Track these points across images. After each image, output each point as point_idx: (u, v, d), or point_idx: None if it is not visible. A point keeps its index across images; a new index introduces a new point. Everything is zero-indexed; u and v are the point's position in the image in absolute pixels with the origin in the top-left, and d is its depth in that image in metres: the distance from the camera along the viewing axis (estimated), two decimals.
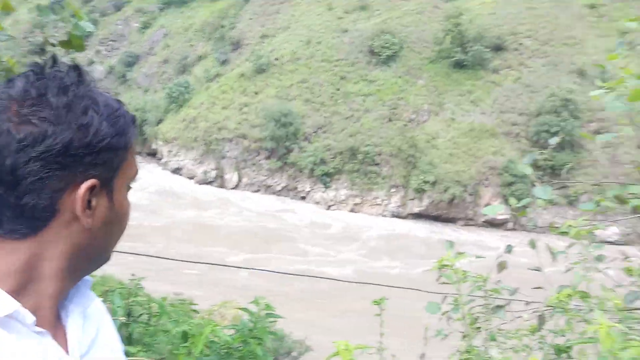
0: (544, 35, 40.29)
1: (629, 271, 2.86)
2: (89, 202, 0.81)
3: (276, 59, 42.84)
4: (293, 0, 51.02)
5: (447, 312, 2.69)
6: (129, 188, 0.89)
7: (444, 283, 2.61)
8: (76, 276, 0.84)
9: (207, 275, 21.01)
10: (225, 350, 2.47)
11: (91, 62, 60.55)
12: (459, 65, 39.20)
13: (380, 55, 40.34)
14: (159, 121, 43.64)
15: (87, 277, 0.91)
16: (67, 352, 0.81)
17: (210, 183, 37.47)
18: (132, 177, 0.89)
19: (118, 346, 0.96)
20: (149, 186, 33.45)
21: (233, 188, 36.78)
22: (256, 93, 40.74)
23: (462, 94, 37.90)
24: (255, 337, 2.53)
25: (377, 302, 2.72)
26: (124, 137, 0.86)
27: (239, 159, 37.53)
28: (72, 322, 0.85)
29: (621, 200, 2.85)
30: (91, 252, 0.84)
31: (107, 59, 60.14)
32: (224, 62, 48.45)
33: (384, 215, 33.18)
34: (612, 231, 24.63)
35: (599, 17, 40.85)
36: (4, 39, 2.50)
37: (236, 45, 49.55)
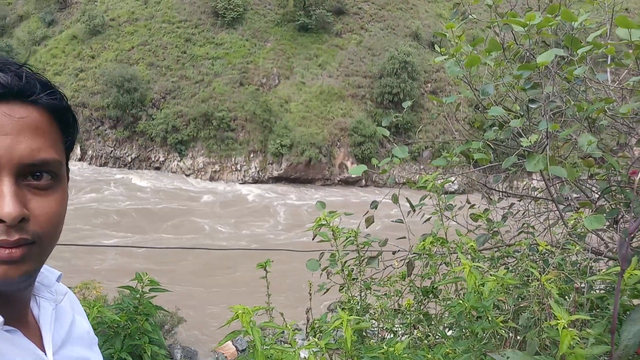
0: (380, 0, 42.41)
1: (476, 217, 3.30)
2: None
3: (112, 20, 39.88)
4: None
5: (326, 267, 2.88)
6: None
7: (321, 241, 2.77)
8: None
9: (65, 261, 19.49)
10: (113, 330, 2.42)
11: None
12: (304, 29, 39.88)
13: (224, 17, 39.48)
14: None
15: (56, 271, 0.89)
16: (42, 348, 0.80)
17: None
18: None
19: (92, 339, 0.95)
20: None
21: (78, 161, 34.04)
22: (93, 57, 37.70)
23: (309, 57, 38.71)
24: (142, 314, 2.51)
25: (261, 265, 2.81)
26: None
27: (81, 130, 34.71)
28: (44, 317, 0.83)
29: (465, 155, 3.23)
30: None
31: None
32: (50, 23, 43.80)
33: (245, 181, 33.22)
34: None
35: None
36: None
37: (63, 3, 44.98)
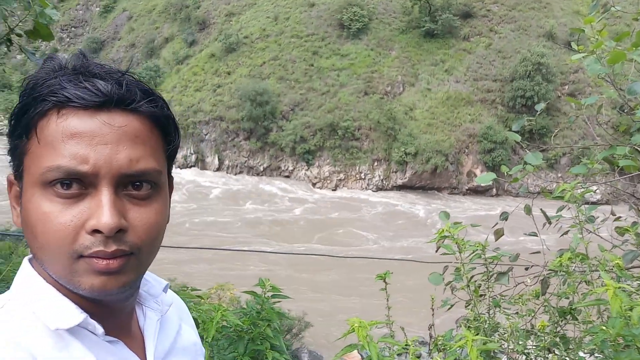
0: (510, 0, 40.43)
1: (622, 231, 2.95)
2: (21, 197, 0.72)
3: (245, 37, 42.28)
4: None
5: (450, 282, 2.74)
6: (49, 189, 0.68)
7: (444, 254, 2.65)
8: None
9: (202, 263, 20.98)
10: (236, 334, 2.50)
11: (55, 50, 58.98)
12: (430, 35, 39.22)
13: (350, 28, 40.10)
14: None
15: (163, 281, 0.89)
16: (144, 359, 0.80)
17: (191, 167, 37.16)
18: (44, 177, 0.67)
19: (198, 351, 0.94)
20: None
21: (215, 170, 36.56)
22: (228, 73, 40.24)
23: (435, 63, 37.99)
24: (264, 319, 2.57)
25: (381, 277, 2.75)
26: (33, 104, 0.68)
27: (218, 142, 37.21)
28: (149, 327, 0.83)
29: (609, 162, 2.91)
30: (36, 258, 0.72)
31: (71, 47, 58.67)
32: (192, 43, 47.67)
33: (369, 189, 33.40)
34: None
35: None
36: None
37: (202, 25, 48.72)
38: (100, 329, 0.71)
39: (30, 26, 3.82)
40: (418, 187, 33.27)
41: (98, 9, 60.60)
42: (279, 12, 43.90)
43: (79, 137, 0.66)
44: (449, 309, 2.69)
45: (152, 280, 0.88)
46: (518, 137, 3.05)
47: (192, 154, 37.60)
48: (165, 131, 0.76)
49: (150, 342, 0.81)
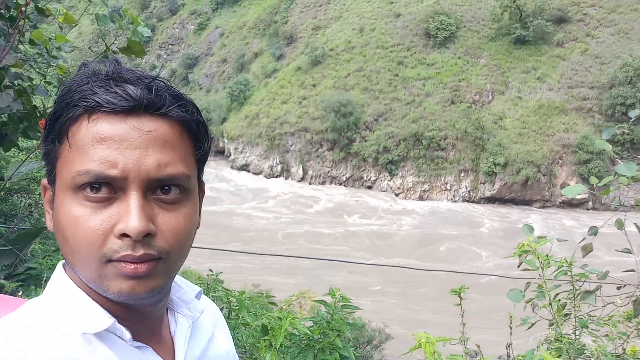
0: (609, 3, 38.03)
1: None
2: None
3: (331, 50, 42.83)
4: None
5: (531, 299, 2.59)
6: (79, 193, 0.68)
7: (526, 269, 2.51)
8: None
9: (292, 269, 21.34)
10: (305, 342, 2.49)
11: (153, 67, 62.87)
12: (521, 42, 37.77)
13: (436, 37, 39.53)
14: (223, 120, 44.72)
15: (196, 287, 0.89)
16: None
17: (277, 177, 38.05)
18: (75, 181, 0.68)
19: (232, 359, 0.93)
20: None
21: (299, 181, 37.21)
22: (314, 85, 40.90)
23: (526, 70, 36.48)
24: (334, 329, 2.54)
25: (455, 292, 2.65)
26: (66, 109, 0.70)
27: (303, 152, 37.87)
28: (180, 333, 0.82)
29: None
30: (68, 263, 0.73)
31: (168, 63, 62.23)
32: (279, 57, 48.98)
33: (455, 201, 32.54)
34: None
35: None
36: (68, 50, 2.63)
37: (290, 39, 49.96)
38: (127, 334, 0.72)
39: (124, 44, 4.10)
40: (507, 200, 31.95)
41: (193, 27, 63.93)
42: (365, 23, 44.12)
43: (109, 142, 0.67)
44: (529, 328, 2.53)
45: (185, 287, 0.87)
46: (608, 147, 2.84)
47: (277, 164, 38.51)
48: (196, 136, 0.76)
49: (180, 349, 0.80)
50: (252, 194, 34.35)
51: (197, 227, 0.79)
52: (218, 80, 54.23)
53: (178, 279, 0.87)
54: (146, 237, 0.67)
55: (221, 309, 2.81)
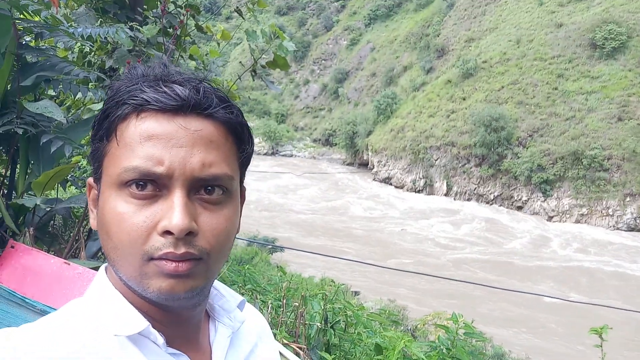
0: None
1: None
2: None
3: (484, 62, 41.34)
4: (499, 0, 48.80)
5: None
6: (125, 190, 0.69)
7: None
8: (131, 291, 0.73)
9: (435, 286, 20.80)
10: None
11: (307, 82, 65.85)
12: None
13: (603, 48, 36.25)
14: (369, 133, 45.34)
15: (239, 296, 0.87)
16: None
17: (419, 192, 37.55)
18: (121, 178, 0.69)
19: None
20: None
21: (443, 195, 36.30)
22: (464, 99, 39.76)
23: None
24: (454, 357, 2.40)
25: (596, 331, 2.35)
26: (115, 108, 0.71)
27: (448, 167, 36.90)
28: (219, 342, 0.81)
29: None
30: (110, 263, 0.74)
31: (321, 77, 64.75)
32: (429, 71, 48.46)
33: (618, 228, 29.28)
34: None
35: None
36: (221, 64, 2.82)
37: (441, 52, 49.21)
38: (161, 339, 0.71)
39: (271, 58, 4.34)
40: None
41: (345, 42, 65.90)
42: (522, 34, 41.97)
43: (156, 139, 0.68)
44: None
45: (228, 295, 0.86)
46: None
47: (420, 178, 37.95)
48: (239, 138, 0.76)
49: (218, 359, 0.79)
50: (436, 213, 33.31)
51: (237, 232, 0.78)
52: (366, 94, 55.16)
53: (221, 287, 0.86)
54: (188, 235, 0.67)
55: (338, 322, 2.82)
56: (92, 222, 0.77)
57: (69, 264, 2.06)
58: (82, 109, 3.38)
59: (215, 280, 0.82)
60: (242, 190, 0.81)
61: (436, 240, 28.56)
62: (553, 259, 26.14)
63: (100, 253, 2.59)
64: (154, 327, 0.71)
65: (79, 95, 2.59)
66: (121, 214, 0.68)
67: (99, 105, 2.83)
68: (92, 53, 3.24)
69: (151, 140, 0.68)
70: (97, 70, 2.91)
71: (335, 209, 33.77)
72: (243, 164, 0.78)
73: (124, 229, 0.68)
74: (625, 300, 20.60)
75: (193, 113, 0.71)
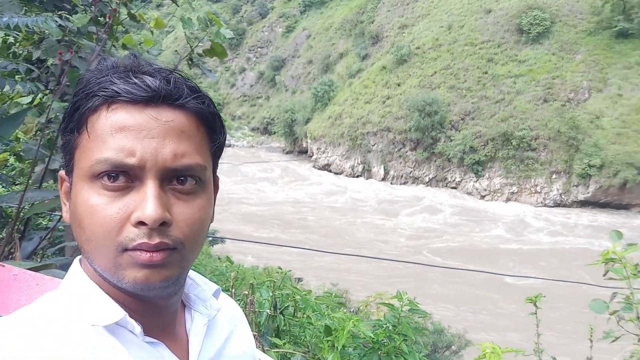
0: None
1: None
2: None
3: (417, 48, 42.21)
4: None
5: (616, 311, 2.41)
6: (97, 182, 0.69)
7: (611, 279, 2.34)
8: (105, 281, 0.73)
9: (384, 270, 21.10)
10: (371, 346, 2.45)
11: (243, 70, 64.99)
12: (623, 36, 35.31)
13: (529, 33, 37.87)
14: (307, 120, 45.41)
15: (214, 285, 0.88)
16: None
17: (357, 177, 38.07)
18: (93, 170, 0.69)
19: (251, 357, 0.90)
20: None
21: (380, 180, 36.98)
22: (398, 85, 40.51)
23: (629, 66, 33.99)
24: (400, 334, 2.49)
25: (531, 300, 2.51)
26: (85, 100, 0.71)
27: (385, 152, 37.61)
28: (195, 331, 0.81)
29: None
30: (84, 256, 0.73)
31: (257, 65, 64.07)
32: (364, 57, 48.94)
33: (545, 205, 30.91)
34: None
35: None
36: (156, 53, 2.75)
37: (375, 39, 49.77)
38: (138, 328, 0.71)
39: (208, 46, 4.26)
40: (603, 204, 29.92)
41: (281, 29, 65.43)
42: (453, 20, 43.09)
43: (127, 131, 0.68)
44: (613, 341, 2.35)
45: (203, 284, 0.86)
46: None
47: (359, 164, 38.50)
48: (211, 128, 0.76)
49: (194, 346, 0.79)
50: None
51: (211, 221, 0.78)
52: (303, 81, 55.12)
53: (196, 276, 0.86)
54: (162, 225, 0.68)
55: (287, 307, 2.86)
56: (65, 215, 0.76)
57: (4, 266, 1.97)
58: (7, 102, 3.22)
59: (190, 270, 0.82)
60: (216, 180, 0.81)
61: (396, 229, 29.08)
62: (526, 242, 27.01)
63: (35, 253, 2.49)
64: (130, 317, 0.71)
65: (6, 88, 2.46)
66: (94, 206, 0.68)
67: (28, 99, 2.70)
68: (17, 44, 3.08)
69: (122, 132, 0.68)
70: (24, 62, 2.77)
71: (282, 200, 33.72)
72: (215, 153, 0.79)
73: (97, 220, 0.68)
74: (556, 274, 21.89)
75: (164, 104, 0.71)
